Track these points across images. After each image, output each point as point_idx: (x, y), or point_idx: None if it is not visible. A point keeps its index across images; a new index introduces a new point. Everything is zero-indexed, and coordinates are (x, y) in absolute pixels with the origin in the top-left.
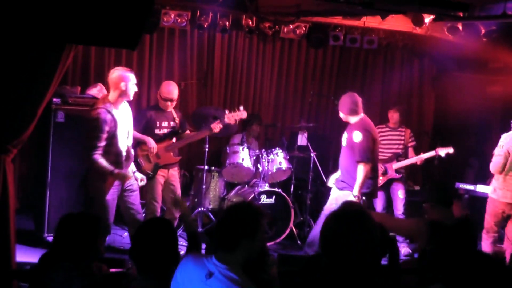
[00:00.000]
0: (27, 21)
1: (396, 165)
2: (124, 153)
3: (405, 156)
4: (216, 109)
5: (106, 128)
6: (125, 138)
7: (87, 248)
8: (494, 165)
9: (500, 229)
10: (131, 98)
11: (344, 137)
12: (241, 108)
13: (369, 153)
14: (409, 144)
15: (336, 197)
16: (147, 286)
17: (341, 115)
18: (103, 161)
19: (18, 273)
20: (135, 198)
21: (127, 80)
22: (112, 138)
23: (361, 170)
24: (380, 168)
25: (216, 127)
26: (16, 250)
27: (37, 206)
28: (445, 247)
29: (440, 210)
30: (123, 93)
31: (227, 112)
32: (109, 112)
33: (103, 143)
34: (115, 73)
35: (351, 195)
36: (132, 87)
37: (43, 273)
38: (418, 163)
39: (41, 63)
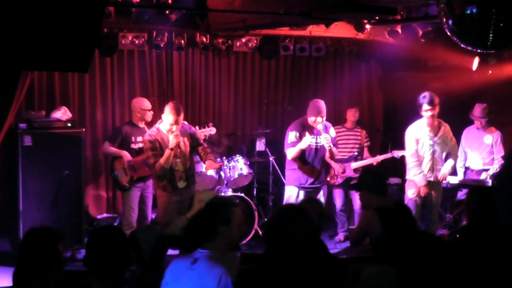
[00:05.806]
0: None
1: (354, 164)
2: (179, 171)
3: (360, 155)
4: None
5: (150, 146)
6: (180, 157)
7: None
8: None
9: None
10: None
11: None
12: (211, 125)
13: None
14: (365, 144)
15: None
16: None
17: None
18: None
19: None
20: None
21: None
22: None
23: None
24: (340, 167)
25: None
26: None
27: (12, 227)
28: (395, 227)
29: (376, 198)
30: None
31: (197, 128)
32: (155, 134)
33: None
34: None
35: None
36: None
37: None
38: (374, 163)
39: None
